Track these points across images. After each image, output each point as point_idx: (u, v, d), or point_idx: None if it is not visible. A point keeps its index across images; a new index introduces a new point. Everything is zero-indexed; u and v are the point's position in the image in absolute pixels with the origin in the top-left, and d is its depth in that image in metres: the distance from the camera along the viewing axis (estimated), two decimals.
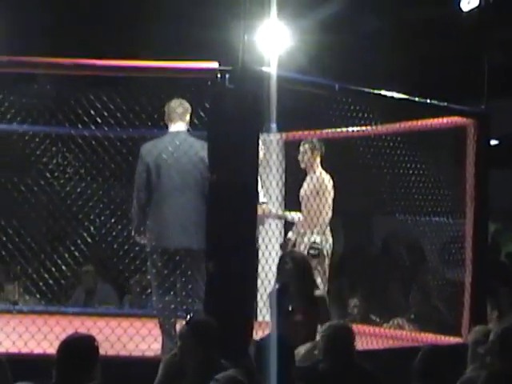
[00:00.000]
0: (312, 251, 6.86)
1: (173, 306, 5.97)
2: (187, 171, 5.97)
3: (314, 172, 7.04)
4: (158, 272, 6.02)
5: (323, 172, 7.06)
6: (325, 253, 6.93)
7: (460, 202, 7.22)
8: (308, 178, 7.06)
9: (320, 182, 6.95)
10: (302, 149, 7.11)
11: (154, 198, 6.01)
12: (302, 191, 7.05)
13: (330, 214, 6.94)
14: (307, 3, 9.78)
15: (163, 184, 5.99)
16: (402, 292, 9.20)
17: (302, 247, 7.03)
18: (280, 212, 7.19)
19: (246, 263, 5.53)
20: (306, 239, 7.00)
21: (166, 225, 5.97)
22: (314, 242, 6.87)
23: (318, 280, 6.89)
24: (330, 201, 6.92)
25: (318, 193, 6.90)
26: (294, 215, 7.12)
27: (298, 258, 6.09)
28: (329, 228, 6.97)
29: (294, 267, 5.91)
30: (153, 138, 6.30)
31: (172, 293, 5.98)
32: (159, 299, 6.03)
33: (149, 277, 6.39)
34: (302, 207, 7.01)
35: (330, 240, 6.98)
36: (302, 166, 7.12)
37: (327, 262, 6.97)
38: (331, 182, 7.01)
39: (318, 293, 6.05)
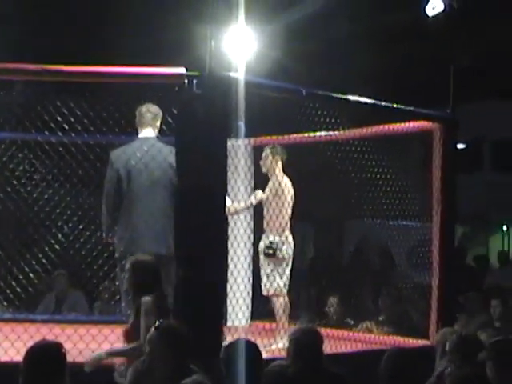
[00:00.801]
0: (267, 250, 6.95)
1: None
2: (156, 177, 5.97)
3: (275, 177, 7.11)
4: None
5: (283, 176, 7.13)
6: (284, 254, 6.99)
7: (427, 205, 7.28)
8: (270, 183, 7.13)
9: (277, 186, 7.04)
10: (263, 154, 7.18)
11: (124, 204, 6.00)
12: (264, 195, 7.12)
13: (287, 216, 7.02)
14: (276, 7, 9.81)
15: (132, 190, 5.98)
16: (372, 296, 9.25)
17: (262, 249, 7.11)
18: (241, 206, 7.20)
19: (215, 268, 5.54)
20: (266, 241, 7.07)
21: (136, 230, 5.96)
22: (270, 242, 6.96)
23: (279, 282, 6.96)
24: (286, 204, 7.02)
25: (274, 197, 6.99)
26: (258, 194, 7.12)
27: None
28: (289, 231, 7.04)
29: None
30: (121, 144, 6.28)
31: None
32: (128, 305, 6.01)
33: (117, 283, 6.36)
34: (264, 211, 7.10)
35: (291, 242, 7.05)
36: (264, 170, 7.19)
37: (287, 263, 7.03)
38: (289, 185, 7.09)
39: None
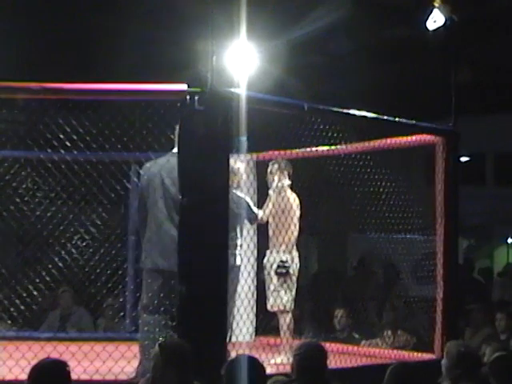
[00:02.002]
0: (280, 270, 6.93)
1: (147, 329, 5.93)
2: (161, 192, 5.97)
3: (280, 192, 7.09)
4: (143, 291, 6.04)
5: (289, 191, 7.12)
6: (291, 271, 6.99)
7: (431, 218, 7.27)
8: (276, 198, 7.10)
9: (285, 201, 7.02)
10: (269, 169, 7.17)
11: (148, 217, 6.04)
12: (268, 211, 7.11)
13: (296, 232, 7.02)
14: (278, 23, 9.85)
15: (147, 204, 6.01)
16: (376, 310, 9.23)
17: (269, 266, 7.09)
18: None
19: (217, 285, 5.53)
20: (272, 258, 7.05)
21: (148, 245, 5.98)
22: (282, 261, 6.94)
23: (285, 298, 6.95)
24: (295, 220, 7.01)
25: (283, 212, 6.97)
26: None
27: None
28: (295, 247, 7.03)
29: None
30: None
31: (149, 314, 5.95)
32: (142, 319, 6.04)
33: (121, 300, 6.36)
34: (269, 226, 7.09)
35: (297, 258, 7.05)
36: (270, 185, 7.18)
37: (294, 279, 7.02)
38: (297, 201, 7.08)
39: None
